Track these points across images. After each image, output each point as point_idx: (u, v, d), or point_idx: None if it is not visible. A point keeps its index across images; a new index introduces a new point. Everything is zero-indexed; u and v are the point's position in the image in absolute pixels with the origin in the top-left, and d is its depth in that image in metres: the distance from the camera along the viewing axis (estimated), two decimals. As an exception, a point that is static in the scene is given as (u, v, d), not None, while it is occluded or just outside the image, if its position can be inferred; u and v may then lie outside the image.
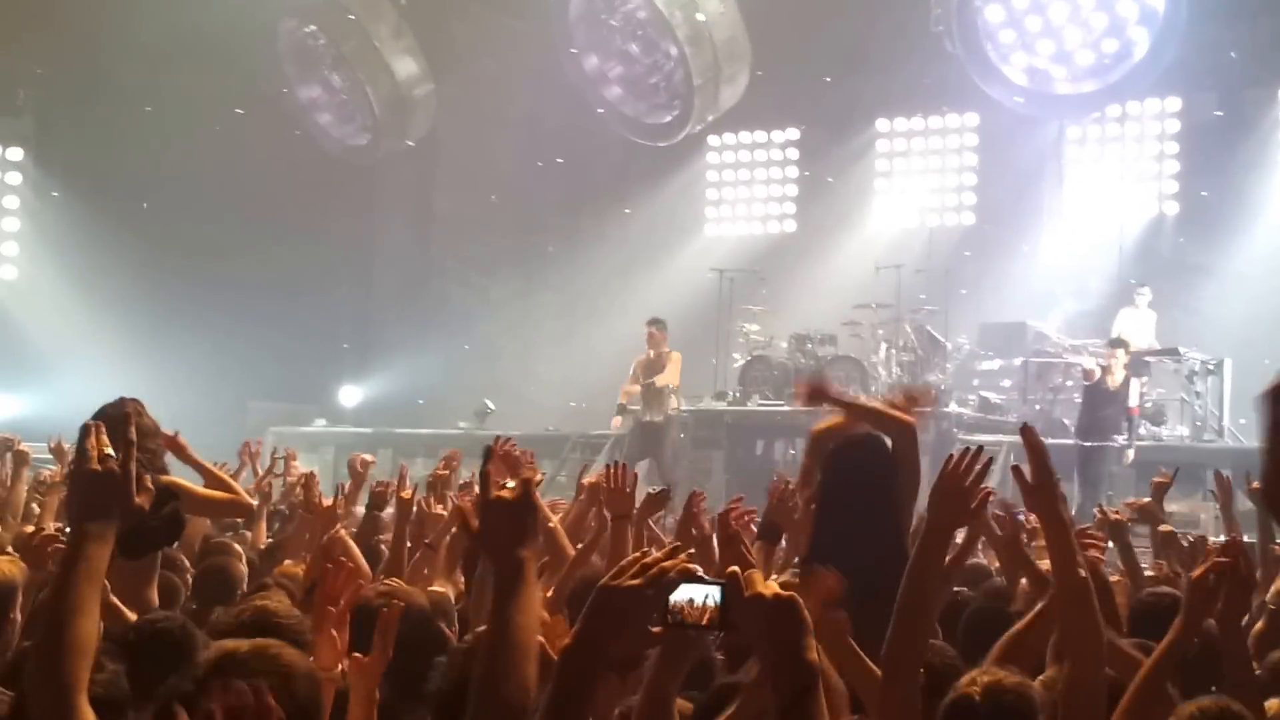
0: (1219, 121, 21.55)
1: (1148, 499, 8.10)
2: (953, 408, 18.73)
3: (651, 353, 18.27)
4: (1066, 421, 19.12)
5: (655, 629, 2.56)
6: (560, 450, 20.21)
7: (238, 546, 7.52)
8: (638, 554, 2.58)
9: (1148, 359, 18.84)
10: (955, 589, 6.11)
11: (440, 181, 26.30)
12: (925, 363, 19.53)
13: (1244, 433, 18.75)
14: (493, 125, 24.80)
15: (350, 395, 25.46)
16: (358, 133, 26.10)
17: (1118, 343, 17.15)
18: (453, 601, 6.27)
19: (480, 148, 24.98)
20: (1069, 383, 19.69)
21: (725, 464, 19.30)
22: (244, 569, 6.87)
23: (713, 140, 25.44)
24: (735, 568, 2.56)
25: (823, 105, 23.83)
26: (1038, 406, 19.35)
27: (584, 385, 22.07)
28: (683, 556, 2.55)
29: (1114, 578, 6.12)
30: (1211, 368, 18.61)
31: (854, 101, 23.58)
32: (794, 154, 25.16)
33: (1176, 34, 20.36)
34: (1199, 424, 18.59)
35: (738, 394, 20.03)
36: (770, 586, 2.51)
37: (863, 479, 6.38)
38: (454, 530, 6.75)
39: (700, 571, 2.58)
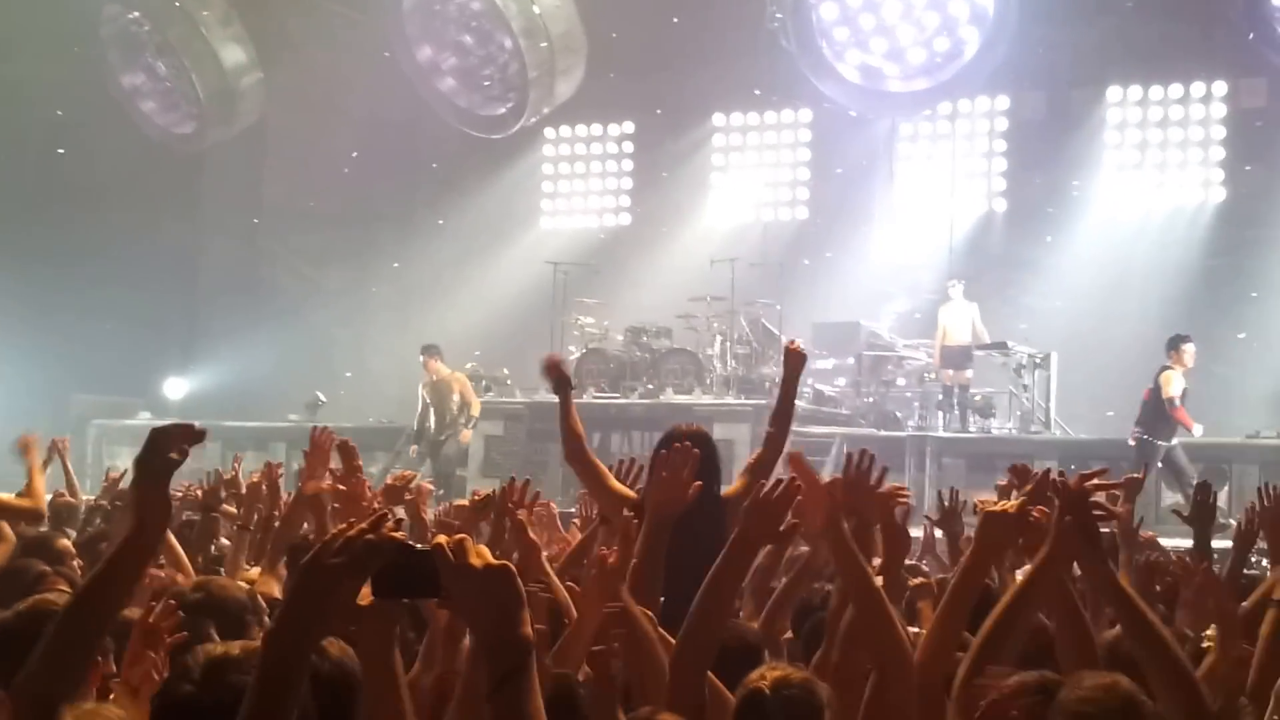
0: (1047, 120, 22.02)
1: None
2: (787, 400, 18.75)
3: (433, 377, 18.74)
4: (899, 414, 19.39)
5: (364, 602, 2.47)
6: (394, 442, 19.98)
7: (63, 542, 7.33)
8: (342, 527, 2.47)
9: (976, 352, 19.14)
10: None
11: (269, 171, 25.82)
12: (760, 356, 19.60)
13: (1070, 424, 19.17)
14: (324, 115, 24.37)
15: (176, 388, 24.85)
16: (183, 121, 25.51)
17: (1183, 338, 16.19)
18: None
19: (311, 137, 24.58)
20: (901, 380, 19.94)
21: (562, 457, 19.11)
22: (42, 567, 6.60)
23: (548, 133, 25.36)
24: (443, 537, 2.44)
25: (658, 99, 23.87)
26: (870, 399, 19.55)
27: (418, 377, 21.80)
28: (388, 526, 2.44)
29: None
30: (1039, 361, 18.95)
31: (689, 96, 23.66)
32: (629, 147, 25.20)
33: (1006, 34, 20.73)
34: (1026, 416, 18.92)
35: (576, 387, 19.87)
36: (483, 555, 2.40)
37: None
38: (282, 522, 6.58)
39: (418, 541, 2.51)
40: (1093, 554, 3.84)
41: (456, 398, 18.67)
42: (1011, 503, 4.12)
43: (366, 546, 2.41)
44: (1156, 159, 21.72)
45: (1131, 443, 15.79)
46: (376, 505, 6.27)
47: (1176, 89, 21.52)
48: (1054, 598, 4.17)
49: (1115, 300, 20.44)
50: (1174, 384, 15.77)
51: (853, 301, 21.18)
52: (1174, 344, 16.00)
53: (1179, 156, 21.64)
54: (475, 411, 18.76)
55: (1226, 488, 15.58)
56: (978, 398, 19.19)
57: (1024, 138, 22.28)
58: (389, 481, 7.25)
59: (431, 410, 18.70)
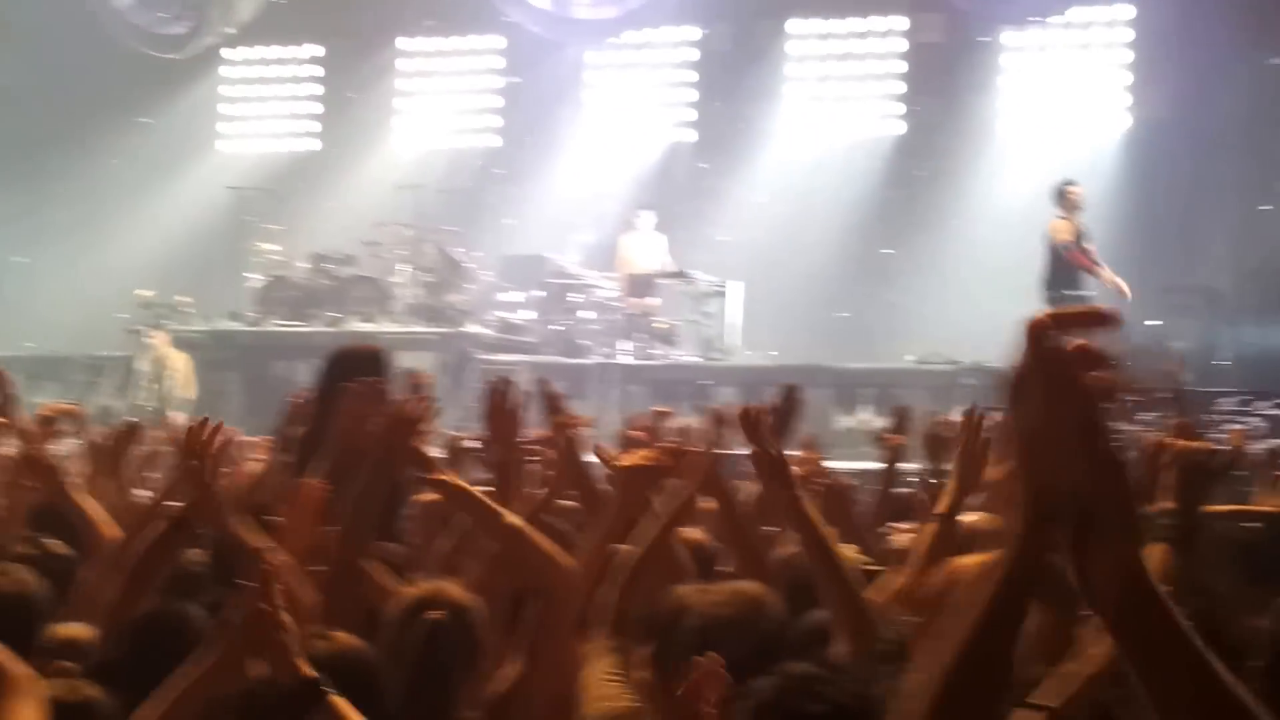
0: (733, 51, 22.27)
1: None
2: (473, 329, 18.80)
3: (155, 351, 18.23)
4: (585, 343, 19.45)
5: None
6: (65, 372, 19.23)
7: None
8: None
9: (658, 281, 19.36)
10: None
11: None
12: (446, 284, 19.45)
13: (751, 352, 19.58)
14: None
15: None
16: None
17: (1068, 181, 15.97)
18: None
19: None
20: (587, 309, 19.99)
21: (242, 386, 18.75)
22: None
23: (230, 54, 24.51)
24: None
25: (345, 21, 23.31)
26: (557, 328, 19.57)
27: (94, 303, 21.02)
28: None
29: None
30: (721, 290, 19.25)
31: (377, 19, 23.19)
32: (316, 70, 24.53)
33: (691, -36, 20.90)
34: (708, 344, 19.20)
35: (255, 315, 19.48)
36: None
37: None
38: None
39: None
40: (776, 478, 4.09)
41: (174, 373, 18.09)
42: (644, 454, 4.37)
43: None
44: (838, 92, 22.16)
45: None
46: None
47: (857, 23, 21.98)
48: (721, 519, 4.34)
49: (798, 231, 20.82)
50: (1061, 230, 15.62)
51: (541, 230, 21.12)
52: (1058, 194, 15.89)
53: (859, 90, 22.13)
54: (192, 395, 18.12)
55: (895, 414, 16.01)
56: (661, 326, 19.39)
57: (711, 69, 22.47)
58: (41, 412, 6.95)
59: (147, 383, 18.02)
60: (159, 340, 18.16)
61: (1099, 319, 1.66)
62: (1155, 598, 1.67)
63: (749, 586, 3.57)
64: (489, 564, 4.43)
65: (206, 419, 5.46)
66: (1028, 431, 1.66)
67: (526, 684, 3.71)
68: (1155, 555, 4.21)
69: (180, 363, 18.17)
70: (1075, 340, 1.64)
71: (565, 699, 3.66)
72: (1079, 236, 15.74)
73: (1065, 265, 15.57)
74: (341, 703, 3.20)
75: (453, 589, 3.86)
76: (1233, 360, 17.79)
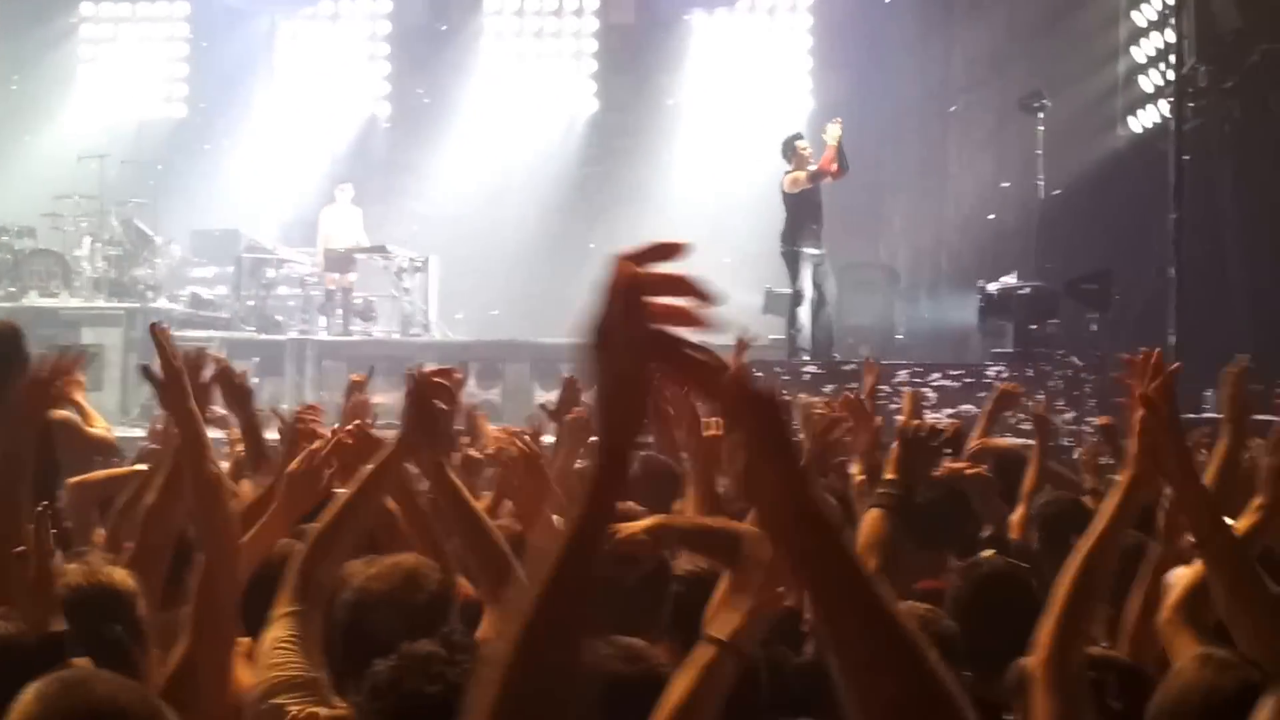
0: (429, 24, 22.19)
1: None
2: (162, 304, 18.36)
3: None
4: (280, 318, 19.23)
5: None
6: None
7: None
8: None
9: (356, 256, 19.22)
10: None
11: None
12: (133, 257, 18.90)
13: (450, 327, 19.65)
14: None
15: None
16: None
17: (795, 136, 16.21)
18: None
19: None
20: (283, 285, 19.76)
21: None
22: None
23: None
24: None
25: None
26: (250, 303, 19.28)
27: None
28: None
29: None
30: (419, 265, 19.23)
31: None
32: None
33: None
34: (407, 319, 19.17)
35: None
36: None
37: None
38: None
39: None
40: (431, 445, 4.01)
41: None
42: (318, 445, 4.35)
43: None
44: (534, 69, 22.28)
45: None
46: None
47: (550, 1, 22.17)
48: (398, 495, 4.39)
49: (496, 207, 20.90)
50: (795, 182, 15.72)
51: (234, 204, 20.71)
52: (788, 147, 16.01)
53: (555, 67, 22.31)
54: None
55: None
56: (359, 301, 19.29)
57: (406, 42, 22.37)
58: None
59: None
60: None
61: (669, 250, 1.68)
62: (820, 521, 1.70)
63: (408, 559, 3.62)
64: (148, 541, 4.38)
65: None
66: (611, 376, 1.67)
67: (191, 660, 3.67)
68: (870, 520, 4.55)
69: None
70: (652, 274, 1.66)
71: (231, 673, 3.65)
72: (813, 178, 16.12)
73: (801, 220, 15.86)
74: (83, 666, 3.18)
75: (108, 570, 3.80)
76: (906, 334, 18.68)
